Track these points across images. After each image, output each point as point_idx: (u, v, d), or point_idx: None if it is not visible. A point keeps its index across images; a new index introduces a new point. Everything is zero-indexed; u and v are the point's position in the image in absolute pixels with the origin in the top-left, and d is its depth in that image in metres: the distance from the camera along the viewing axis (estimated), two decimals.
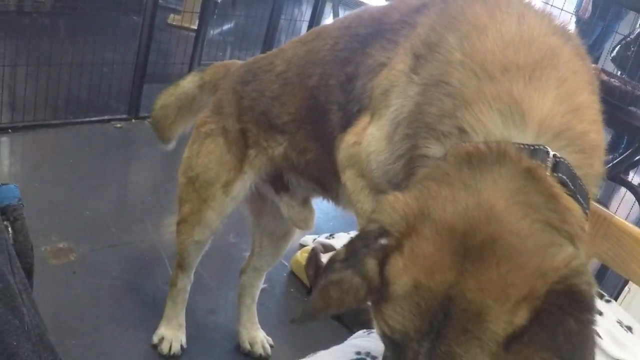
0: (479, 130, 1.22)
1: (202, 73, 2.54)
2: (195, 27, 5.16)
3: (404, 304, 1.08)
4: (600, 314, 1.88)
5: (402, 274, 1.09)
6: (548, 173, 1.15)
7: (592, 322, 1.03)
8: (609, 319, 1.88)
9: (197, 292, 2.86)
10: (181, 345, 2.66)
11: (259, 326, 2.84)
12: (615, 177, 4.16)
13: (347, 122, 1.73)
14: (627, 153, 4.10)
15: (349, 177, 1.66)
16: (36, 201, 3.33)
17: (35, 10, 5.74)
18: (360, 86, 1.71)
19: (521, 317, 1.02)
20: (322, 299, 1.14)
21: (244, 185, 2.29)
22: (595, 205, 2.06)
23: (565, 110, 1.24)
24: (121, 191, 3.74)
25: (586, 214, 1.20)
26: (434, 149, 1.28)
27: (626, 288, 3.28)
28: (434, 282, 1.06)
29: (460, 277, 1.05)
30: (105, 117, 4.41)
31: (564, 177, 1.17)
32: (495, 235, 1.05)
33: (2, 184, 1.53)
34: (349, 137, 1.66)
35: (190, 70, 4.69)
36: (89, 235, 3.17)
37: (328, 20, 6.23)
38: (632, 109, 4.10)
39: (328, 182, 2.04)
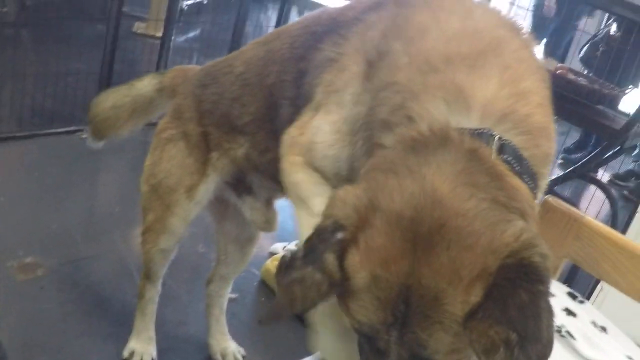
0: (425, 118, 1.24)
1: (161, 76, 2.50)
2: (160, 35, 5.11)
3: (366, 297, 1.11)
4: (574, 315, 1.88)
5: (359, 267, 1.11)
6: (493, 154, 1.16)
7: (544, 293, 1.05)
8: (583, 320, 1.87)
9: (166, 304, 2.82)
10: (152, 359, 2.62)
11: (229, 337, 2.80)
12: (585, 175, 4.18)
13: (292, 115, 1.74)
14: (596, 151, 4.11)
15: (287, 161, 1.64)
16: (1, 216, 3.28)
17: None
18: (309, 81, 1.71)
19: (476, 295, 1.04)
20: (286, 297, 1.16)
21: (207, 188, 2.26)
22: (565, 205, 2.06)
23: (509, 94, 1.26)
24: (88, 203, 3.68)
25: (534, 193, 1.21)
26: (388, 139, 1.29)
27: (598, 287, 3.29)
28: (390, 273, 1.08)
29: (414, 265, 1.07)
30: (71, 128, 4.34)
31: (509, 157, 1.18)
32: (442, 219, 1.07)
33: None
34: (293, 130, 1.66)
35: None
36: (56, 249, 3.12)
37: None
38: (600, 107, 4.12)
39: None
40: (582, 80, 4.13)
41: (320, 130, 1.56)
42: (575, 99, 3.91)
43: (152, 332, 2.65)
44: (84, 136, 4.29)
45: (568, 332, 1.76)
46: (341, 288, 1.14)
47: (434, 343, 1.08)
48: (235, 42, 5.35)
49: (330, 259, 1.12)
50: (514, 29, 1.46)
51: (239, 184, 2.28)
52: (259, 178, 2.20)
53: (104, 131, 2.64)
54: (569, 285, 2.12)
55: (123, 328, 2.69)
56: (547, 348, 1.04)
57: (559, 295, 1.95)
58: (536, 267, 1.04)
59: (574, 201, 4.64)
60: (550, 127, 1.34)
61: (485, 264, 1.04)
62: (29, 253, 3.03)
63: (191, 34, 7.26)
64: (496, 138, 1.19)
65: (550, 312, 1.05)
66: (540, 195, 1.31)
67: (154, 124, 2.48)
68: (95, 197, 3.86)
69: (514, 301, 1.02)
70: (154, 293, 2.58)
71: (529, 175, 1.21)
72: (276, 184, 2.13)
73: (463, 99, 1.24)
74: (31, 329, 2.65)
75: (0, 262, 2.91)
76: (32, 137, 4.12)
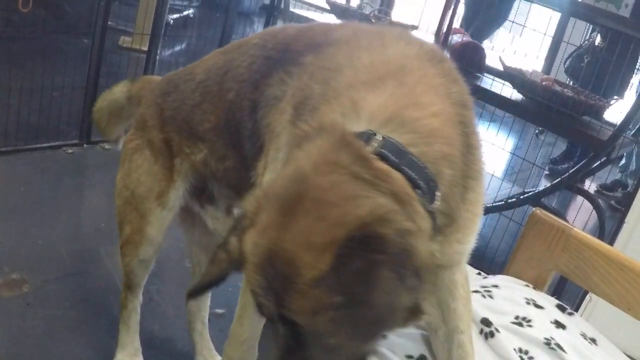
0: None
1: (131, 84, 2.54)
2: (146, 49, 5.10)
3: (250, 265, 1.23)
4: (563, 327, 1.87)
5: (248, 241, 1.24)
6: (364, 145, 1.24)
7: (386, 262, 1.11)
8: (573, 332, 1.87)
9: (153, 320, 2.80)
10: None
11: (215, 352, 2.77)
12: (572, 186, 4.19)
13: (254, 154, 1.85)
14: (583, 162, 4.13)
15: None
16: None
17: None
18: (260, 118, 1.82)
19: (324, 263, 1.12)
20: (206, 273, 1.43)
21: (177, 194, 2.27)
22: (552, 217, 2.06)
23: (398, 104, 1.36)
24: (74, 218, 3.66)
25: (417, 186, 1.27)
26: None
27: (587, 297, 3.29)
28: (263, 240, 1.20)
29: (280, 233, 1.17)
30: (57, 143, 4.33)
31: (385, 150, 1.25)
32: (303, 192, 1.17)
33: None
34: (255, 182, 1.81)
35: None
36: (42, 265, 3.10)
37: None
38: (586, 118, 4.14)
39: (245, 190, 2.07)
40: (568, 92, 4.14)
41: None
42: (561, 111, 3.93)
43: (137, 344, 2.62)
44: (69, 151, 4.28)
45: (558, 345, 1.76)
46: (241, 264, 1.28)
47: (293, 304, 1.15)
48: None
49: (232, 241, 1.33)
50: (433, 59, 1.53)
51: (201, 193, 2.32)
52: (217, 185, 2.25)
53: (102, 132, 2.73)
54: (558, 298, 2.12)
55: (110, 343, 2.66)
56: (384, 315, 1.15)
57: (548, 307, 1.95)
58: (382, 238, 1.12)
59: (562, 212, 4.64)
60: (448, 132, 1.39)
61: (334, 234, 1.12)
62: (15, 269, 3.00)
63: (177, 48, 7.25)
64: (379, 137, 1.27)
65: (391, 281, 1.11)
66: (453, 193, 1.39)
67: None
68: (81, 212, 3.83)
69: (348, 268, 1.10)
70: (136, 303, 2.56)
71: (417, 170, 1.27)
72: (233, 192, 2.18)
73: (355, 110, 1.36)
74: (16, 346, 2.62)
75: None
76: (18, 152, 4.10)
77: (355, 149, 1.21)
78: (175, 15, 7.55)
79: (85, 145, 4.43)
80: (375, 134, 1.27)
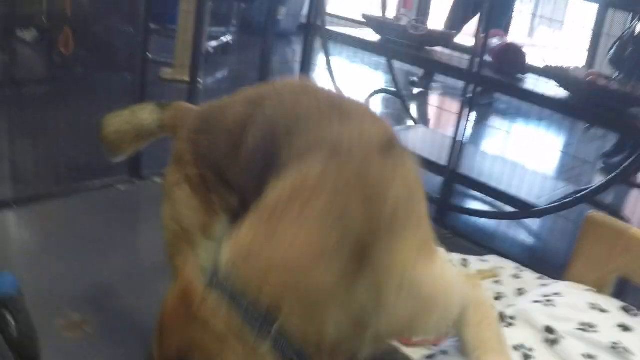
0: None
1: (161, 112, 2.56)
2: (188, 79, 5.14)
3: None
4: (630, 330, 1.83)
5: None
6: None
7: None
8: None
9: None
10: None
11: None
12: (627, 180, 4.11)
13: None
14: (635, 155, 4.04)
15: None
16: (45, 274, 3.30)
17: (25, 79, 5.70)
18: None
19: None
20: None
21: (221, 225, 2.26)
22: (610, 219, 2.02)
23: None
24: (130, 255, 3.68)
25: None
26: None
27: None
28: None
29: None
30: (108, 181, 4.37)
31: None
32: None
33: None
34: None
35: None
36: (102, 304, 3.13)
37: (319, 58, 6.19)
38: (634, 110, 4.06)
39: None
40: (614, 85, 4.07)
41: None
42: (609, 105, 3.86)
43: None
44: (121, 188, 4.32)
45: (625, 349, 1.72)
46: None
47: None
48: (263, 79, 5.37)
49: None
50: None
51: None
52: None
53: (114, 151, 2.74)
54: (622, 298, 2.07)
55: None
56: None
57: (612, 311, 1.91)
58: None
59: (618, 207, 4.56)
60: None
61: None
62: (75, 309, 3.02)
63: (219, 75, 7.31)
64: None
65: None
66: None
67: None
68: (137, 248, 3.86)
69: None
70: None
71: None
72: None
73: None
74: None
75: (47, 321, 2.91)
76: (70, 193, 4.14)
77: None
78: (214, 43, 7.60)
79: (136, 181, 4.46)
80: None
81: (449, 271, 1.68)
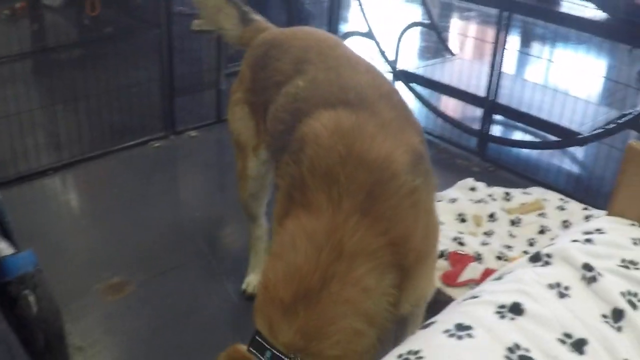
0: None
1: (243, 28, 2.82)
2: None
3: None
4: None
5: None
6: None
7: None
8: None
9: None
10: None
11: None
12: None
13: None
14: None
15: None
16: (85, 238, 3.32)
17: (56, 45, 5.65)
18: None
19: None
20: None
21: (268, 149, 2.51)
22: None
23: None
24: (168, 212, 3.66)
25: None
26: None
27: None
28: None
29: None
30: (143, 139, 4.34)
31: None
32: None
33: (17, 253, 1.47)
34: None
35: (218, 73, 4.62)
36: (141, 264, 3.13)
37: None
38: None
39: None
40: None
41: None
42: None
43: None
44: (156, 144, 4.30)
45: None
46: None
47: None
48: (290, 23, 5.27)
49: None
50: None
51: None
52: None
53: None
54: None
55: (216, 336, 2.68)
56: None
57: None
58: None
59: None
60: None
61: None
62: (116, 272, 3.03)
63: None
64: None
65: None
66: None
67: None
68: (174, 204, 3.83)
69: None
70: (260, 231, 2.91)
71: None
72: None
73: None
74: (126, 350, 2.68)
75: (88, 286, 2.92)
76: (106, 154, 4.14)
77: None
78: None
79: (171, 137, 4.43)
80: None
81: None
